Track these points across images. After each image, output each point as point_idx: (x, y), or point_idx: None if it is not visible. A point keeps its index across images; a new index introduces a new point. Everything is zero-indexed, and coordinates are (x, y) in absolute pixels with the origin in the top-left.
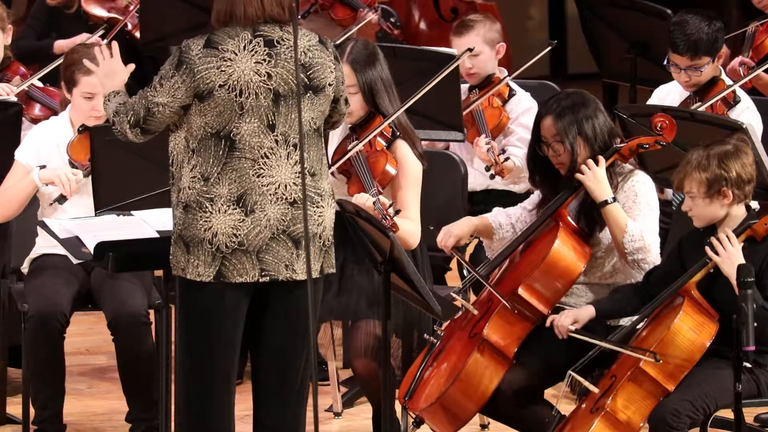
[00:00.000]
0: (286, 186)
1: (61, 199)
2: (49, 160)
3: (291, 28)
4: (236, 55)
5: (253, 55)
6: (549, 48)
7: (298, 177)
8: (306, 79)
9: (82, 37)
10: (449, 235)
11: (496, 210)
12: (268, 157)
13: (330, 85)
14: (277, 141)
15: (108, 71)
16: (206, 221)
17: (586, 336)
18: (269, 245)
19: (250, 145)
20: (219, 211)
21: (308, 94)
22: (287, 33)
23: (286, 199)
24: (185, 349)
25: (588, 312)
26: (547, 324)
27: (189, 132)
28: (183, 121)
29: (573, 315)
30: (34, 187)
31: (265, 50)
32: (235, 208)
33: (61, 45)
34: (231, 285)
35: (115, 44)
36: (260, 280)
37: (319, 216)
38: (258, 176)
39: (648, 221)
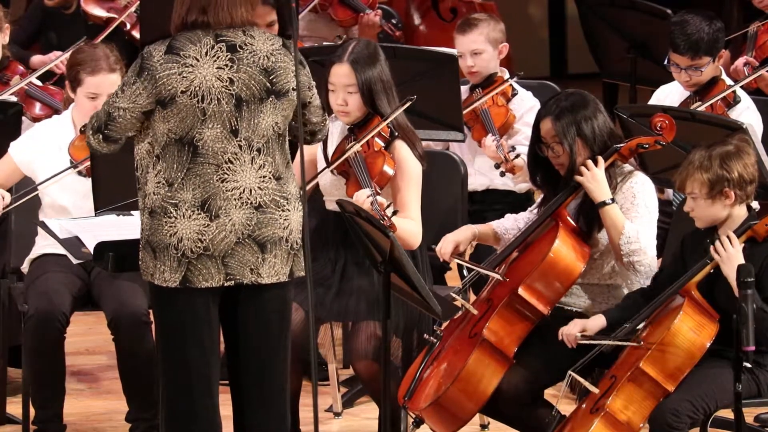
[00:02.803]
0: (250, 191)
1: None
2: (50, 162)
3: (255, 32)
4: (198, 61)
5: (215, 60)
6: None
7: (263, 181)
8: (268, 84)
9: (55, 55)
10: (447, 242)
11: (508, 215)
12: (232, 162)
13: (293, 89)
14: (240, 146)
15: None
16: (171, 226)
17: (595, 340)
18: (234, 250)
19: (214, 150)
20: (184, 217)
21: (270, 99)
22: (250, 38)
23: (251, 203)
24: (162, 353)
25: (598, 322)
26: (560, 337)
27: (153, 138)
28: (147, 127)
29: (581, 324)
30: None
31: (227, 55)
32: (200, 213)
33: (35, 62)
34: (197, 290)
35: None
36: (225, 285)
37: (285, 220)
38: (222, 181)
39: (645, 223)
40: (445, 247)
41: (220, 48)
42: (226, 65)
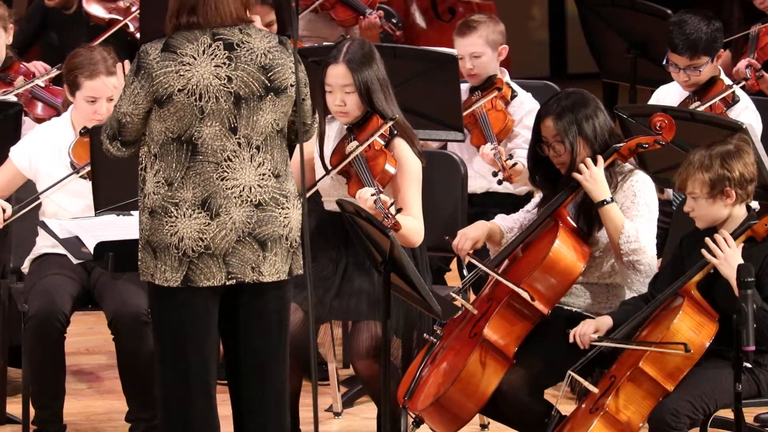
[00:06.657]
0: (250, 188)
1: None
2: (49, 163)
3: (251, 30)
4: (195, 59)
5: (213, 58)
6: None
7: (262, 179)
8: (267, 81)
9: (45, 68)
10: (466, 238)
11: (501, 216)
12: (231, 160)
13: (291, 86)
14: (239, 144)
15: None
16: (172, 226)
17: (611, 342)
18: (235, 248)
19: (213, 148)
20: (184, 216)
21: (270, 96)
22: (247, 35)
23: (251, 201)
24: (160, 354)
25: (606, 322)
26: (571, 340)
27: (150, 137)
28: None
29: (594, 324)
30: None
31: (224, 53)
32: (200, 212)
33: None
34: (199, 289)
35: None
36: (227, 283)
37: (285, 217)
38: (222, 179)
39: (645, 222)
40: (463, 243)
41: (218, 46)
42: (224, 63)
